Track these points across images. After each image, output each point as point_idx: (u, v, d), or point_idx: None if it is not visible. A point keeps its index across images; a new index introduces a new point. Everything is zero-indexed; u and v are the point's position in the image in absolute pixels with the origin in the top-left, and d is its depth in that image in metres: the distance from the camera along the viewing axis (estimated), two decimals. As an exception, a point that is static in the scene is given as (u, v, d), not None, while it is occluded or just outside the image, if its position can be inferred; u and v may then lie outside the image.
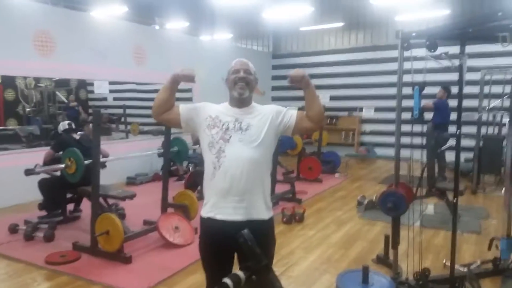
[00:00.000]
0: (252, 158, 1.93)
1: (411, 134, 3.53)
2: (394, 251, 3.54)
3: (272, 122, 2.00)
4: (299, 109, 2.08)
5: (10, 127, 10.36)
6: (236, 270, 1.62)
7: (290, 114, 2.04)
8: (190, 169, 7.48)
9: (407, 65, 3.29)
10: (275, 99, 11.28)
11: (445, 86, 7.22)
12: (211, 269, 2.05)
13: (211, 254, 2.03)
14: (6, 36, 5.73)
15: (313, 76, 11.11)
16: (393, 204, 3.39)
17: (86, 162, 3.99)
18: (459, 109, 3.12)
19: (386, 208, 3.44)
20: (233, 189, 1.92)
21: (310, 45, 11.70)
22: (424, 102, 6.92)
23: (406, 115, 3.40)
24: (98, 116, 3.95)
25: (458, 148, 3.20)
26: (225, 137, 1.95)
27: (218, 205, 1.96)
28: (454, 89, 3.20)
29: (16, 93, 11.04)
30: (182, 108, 2.07)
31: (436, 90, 7.30)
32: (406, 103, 3.39)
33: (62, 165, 4.08)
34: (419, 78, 3.33)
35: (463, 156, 7.12)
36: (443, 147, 6.38)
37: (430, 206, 5.74)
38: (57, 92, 12.17)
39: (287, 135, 2.12)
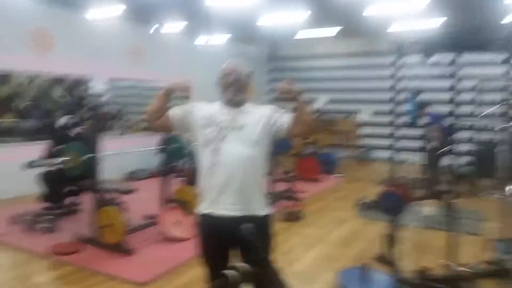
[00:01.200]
0: (247, 156, 1.98)
1: (407, 138, 3.61)
2: (394, 250, 3.58)
3: (266, 123, 2.05)
4: None
5: (9, 120, 10.29)
6: (236, 262, 1.65)
7: (285, 117, 2.07)
8: (190, 166, 7.48)
9: (401, 72, 3.35)
10: (270, 102, 11.31)
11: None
12: (210, 263, 2.09)
13: (210, 249, 2.08)
14: (4, 32, 5.75)
15: (309, 79, 11.21)
16: (392, 204, 3.43)
17: (85, 156, 4.01)
18: (454, 115, 3.20)
19: (385, 208, 3.48)
20: (230, 186, 1.96)
21: (306, 49, 11.75)
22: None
23: (401, 119, 3.46)
24: (96, 113, 3.99)
25: (455, 153, 3.27)
26: (220, 135, 1.99)
27: (216, 201, 2.00)
28: (448, 95, 3.26)
29: (12, 88, 10.97)
30: (174, 111, 2.11)
31: (430, 96, 7.33)
32: (400, 108, 3.44)
33: (63, 159, 4.10)
34: (413, 84, 3.39)
35: (462, 160, 7.20)
36: (442, 150, 6.44)
37: (428, 208, 5.79)
38: (53, 89, 12.11)
39: (278, 136, 2.14)
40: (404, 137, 3.52)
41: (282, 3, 8.77)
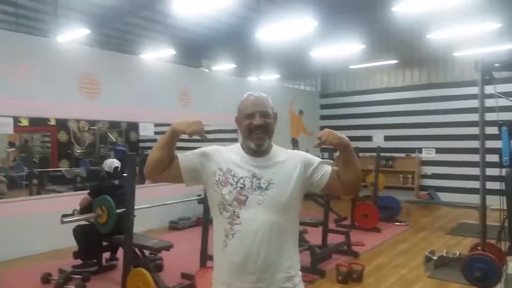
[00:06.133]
0: (274, 224, 1.51)
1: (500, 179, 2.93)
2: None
3: (299, 176, 1.58)
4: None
5: (59, 168, 10.52)
6: None
7: (323, 170, 1.61)
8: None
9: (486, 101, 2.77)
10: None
11: None
12: None
13: None
14: (54, 79, 5.73)
15: (365, 115, 10.63)
16: (483, 272, 2.71)
17: (119, 210, 3.65)
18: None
19: (473, 278, 2.76)
20: (249, 265, 1.49)
21: (361, 84, 11.16)
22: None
23: (472, 157, 2.85)
24: (133, 160, 3.62)
25: None
26: (240, 198, 1.52)
27: (230, 285, 1.53)
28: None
29: (69, 135, 11.31)
30: (182, 159, 1.62)
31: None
32: (470, 144, 2.84)
33: (93, 214, 3.77)
34: (493, 117, 2.82)
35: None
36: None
37: (511, 264, 4.86)
38: (109, 134, 12.40)
39: (313, 192, 1.70)
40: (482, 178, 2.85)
41: (334, 36, 8.44)
